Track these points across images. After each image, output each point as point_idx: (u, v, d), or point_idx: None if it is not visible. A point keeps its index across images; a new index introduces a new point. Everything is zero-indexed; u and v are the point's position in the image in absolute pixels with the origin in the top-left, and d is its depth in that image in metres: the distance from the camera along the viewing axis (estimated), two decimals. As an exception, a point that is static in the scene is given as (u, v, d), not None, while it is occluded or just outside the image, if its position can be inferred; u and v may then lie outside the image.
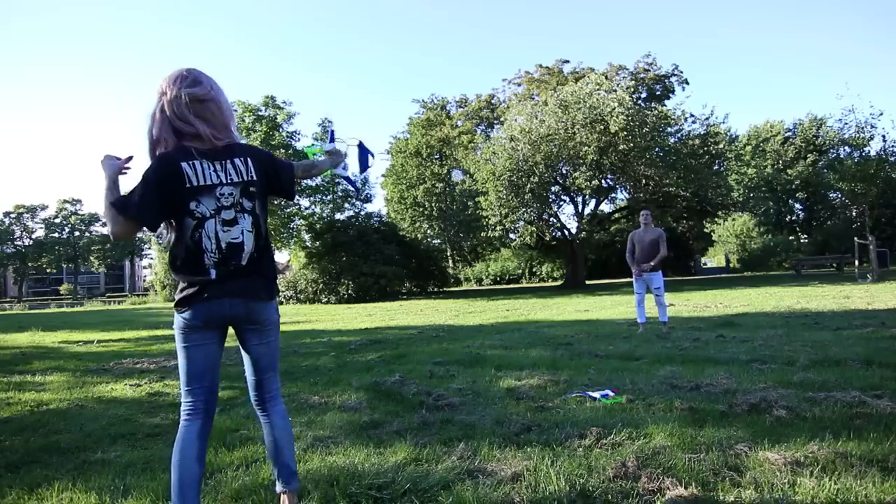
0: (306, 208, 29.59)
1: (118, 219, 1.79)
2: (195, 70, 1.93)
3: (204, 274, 1.87)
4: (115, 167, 1.91)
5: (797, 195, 40.75)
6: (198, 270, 1.87)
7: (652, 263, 7.00)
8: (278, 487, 2.10)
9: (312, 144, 2.37)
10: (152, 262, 58.08)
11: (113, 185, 1.86)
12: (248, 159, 1.94)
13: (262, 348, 2.03)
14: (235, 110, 26.19)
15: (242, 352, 2.07)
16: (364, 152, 2.49)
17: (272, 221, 25.97)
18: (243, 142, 2.02)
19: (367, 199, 33.28)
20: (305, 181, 27.96)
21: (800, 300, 11.14)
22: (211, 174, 1.86)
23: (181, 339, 1.92)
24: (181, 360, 1.94)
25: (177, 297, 1.91)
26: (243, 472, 2.52)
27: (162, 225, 1.91)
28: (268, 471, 2.52)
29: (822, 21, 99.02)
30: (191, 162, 1.84)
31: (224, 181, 1.88)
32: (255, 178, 1.94)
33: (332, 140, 2.36)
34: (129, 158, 1.96)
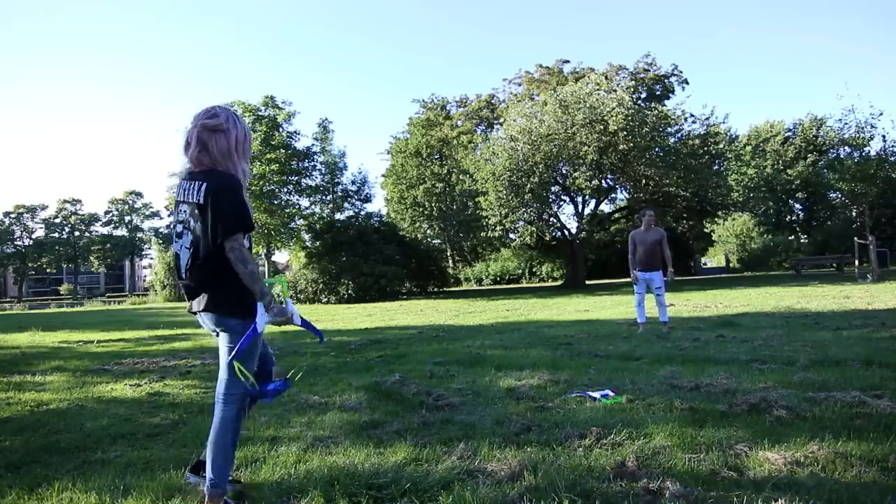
0: (306, 208, 29.60)
1: None
2: (220, 107, 2.18)
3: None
4: None
5: (797, 195, 40.72)
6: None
7: (671, 271, 7.12)
8: (192, 478, 2.27)
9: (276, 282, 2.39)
10: (152, 262, 57.96)
11: None
12: (204, 184, 2.06)
13: (223, 351, 2.21)
14: (235, 111, 26.30)
15: None
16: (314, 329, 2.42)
17: (272, 221, 25.97)
18: (244, 170, 2.20)
19: (367, 199, 33.33)
20: (304, 193, 28.02)
21: (800, 300, 11.14)
22: (180, 192, 2.16)
23: None
24: None
25: None
26: (243, 472, 2.52)
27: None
28: (268, 470, 2.52)
29: (822, 21, 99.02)
30: (179, 181, 2.20)
31: (185, 199, 2.12)
32: (201, 201, 2.06)
33: (306, 325, 2.40)
34: None
